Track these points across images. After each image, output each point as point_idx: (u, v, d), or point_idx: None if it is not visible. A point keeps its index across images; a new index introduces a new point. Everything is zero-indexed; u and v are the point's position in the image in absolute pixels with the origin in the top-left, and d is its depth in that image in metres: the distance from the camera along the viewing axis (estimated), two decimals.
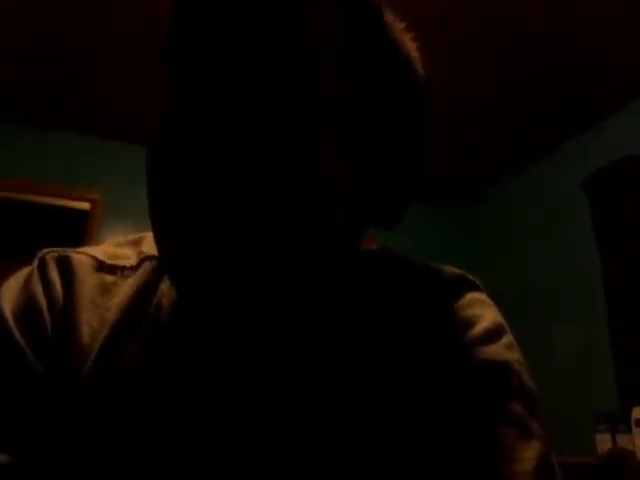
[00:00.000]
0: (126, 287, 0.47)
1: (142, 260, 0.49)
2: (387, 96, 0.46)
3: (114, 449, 0.40)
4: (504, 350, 0.44)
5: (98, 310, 0.45)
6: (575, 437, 2.59)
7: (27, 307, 0.44)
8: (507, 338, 0.45)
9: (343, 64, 0.42)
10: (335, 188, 0.41)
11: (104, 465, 0.40)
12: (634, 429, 2.26)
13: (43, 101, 3.18)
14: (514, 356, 0.44)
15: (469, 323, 0.45)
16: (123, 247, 0.51)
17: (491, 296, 0.49)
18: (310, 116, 0.39)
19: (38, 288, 0.45)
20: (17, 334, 0.42)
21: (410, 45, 0.47)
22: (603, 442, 2.39)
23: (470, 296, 0.47)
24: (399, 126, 0.47)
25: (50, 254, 0.48)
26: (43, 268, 0.46)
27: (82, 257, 0.48)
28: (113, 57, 2.80)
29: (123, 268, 0.48)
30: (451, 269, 0.49)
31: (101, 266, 0.48)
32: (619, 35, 2.57)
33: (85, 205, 3.44)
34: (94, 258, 0.48)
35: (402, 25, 0.47)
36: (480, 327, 0.44)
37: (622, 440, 2.31)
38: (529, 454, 0.39)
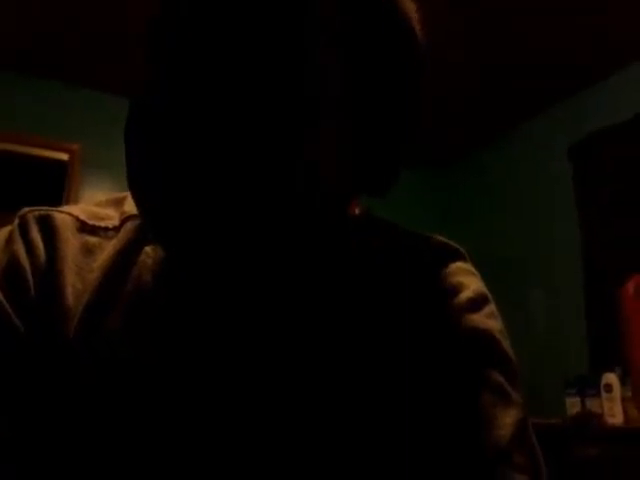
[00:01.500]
0: (109, 248, 0.46)
1: (124, 220, 0.48)
2: (386, 60, 0.44)
3: (97, 410, 0.40)
4: (486, 319, 0.44)
5: (81, 272, 0.44)
6: (547, 400, 2.68)
7: (9, 268, 0.43)
8: (489, 307, 0.46)
9: (340, 30, 0.41)
10: (335, 164, 0.41)
11: (88, 426, 0.40)
12: (603, 394, 2.34)
13: (22, 50, 3.08)
14: (496, 325, 0.45)
15: (453, 291, 0.45)
16: (105, 207, 0.50)
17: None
18: (309, 88, 0.38)
19: (20, 248, 0.44)
20: (0, 295, 0.41)
21: (410, 5, 0.46)
22: (573, 405, 2.48)
23: (455, 265, 0.47)
24: (394, 92, 0.46)
25: (31, 213, 0.46)
26: (24, 228, 0.45)
27: (65, 217, 0.47)
28: (98, 7, 2.71)
29: (106, 229, 0.48)
30: (438, 237, 0.49)
31: (83, 227, 0.47)
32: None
33: (63, 156, 3.37)
34: (76, 218, 0.47)
35: None
36: (463, 296, 0.45)
37: (591, 404, 2.41)
38: (507, 421, 0.40)
